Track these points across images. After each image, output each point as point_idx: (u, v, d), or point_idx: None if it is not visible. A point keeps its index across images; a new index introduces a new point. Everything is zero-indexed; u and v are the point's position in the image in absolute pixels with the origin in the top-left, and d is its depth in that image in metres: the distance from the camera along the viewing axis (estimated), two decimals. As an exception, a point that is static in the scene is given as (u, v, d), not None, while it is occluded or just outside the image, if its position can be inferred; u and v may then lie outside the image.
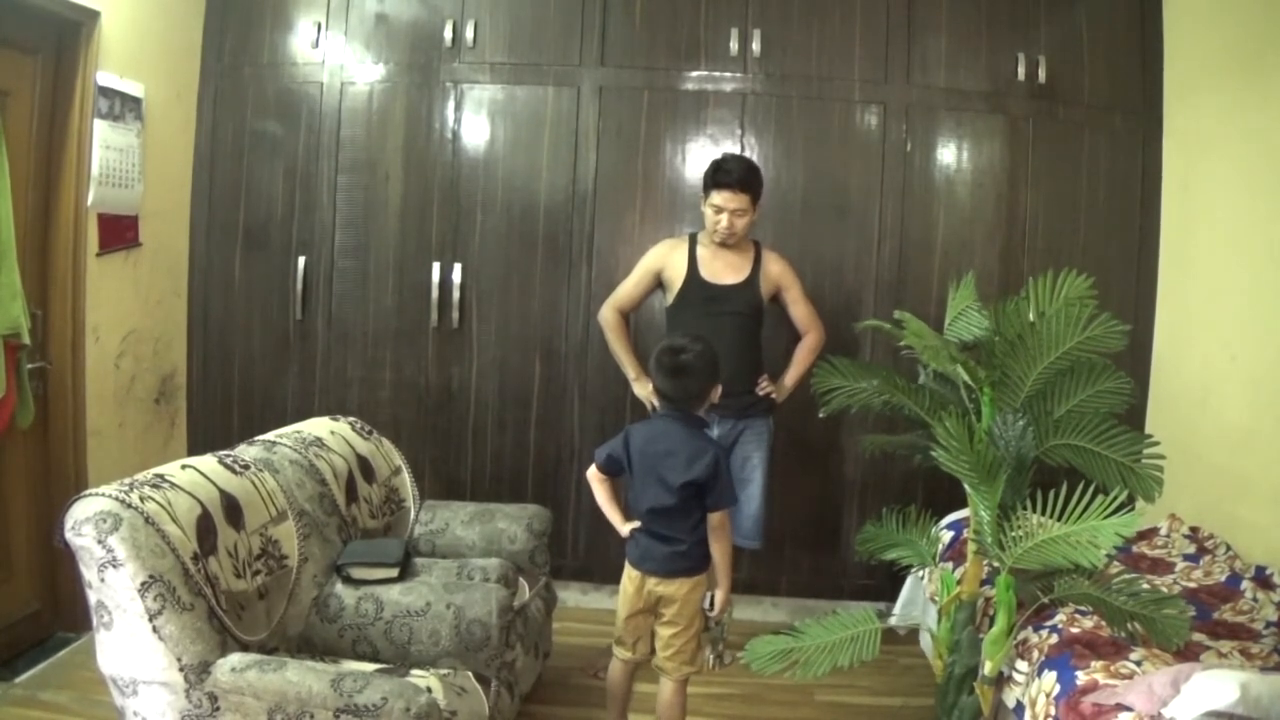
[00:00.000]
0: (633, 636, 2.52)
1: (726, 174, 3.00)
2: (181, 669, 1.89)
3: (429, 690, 2.01)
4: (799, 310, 3.20)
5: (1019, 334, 2.35)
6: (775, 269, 3.16)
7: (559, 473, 3.70)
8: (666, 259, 3.18)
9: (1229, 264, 3.12)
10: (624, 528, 2.50)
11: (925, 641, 3.15)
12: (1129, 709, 1.85)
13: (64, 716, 2.67)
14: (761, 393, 3.11)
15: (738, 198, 3.00)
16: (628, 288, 3.25)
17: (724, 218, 3.01)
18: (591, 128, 3.62)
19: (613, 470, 2.52)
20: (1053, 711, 2.05)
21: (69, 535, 1.89)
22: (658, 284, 3.23)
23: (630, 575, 2.48)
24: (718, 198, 3.01)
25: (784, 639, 2.46)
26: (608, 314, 3.25)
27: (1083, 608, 2.34)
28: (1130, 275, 3.58)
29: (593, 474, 2.56)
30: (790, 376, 3.18)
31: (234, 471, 2.28)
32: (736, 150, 3.59)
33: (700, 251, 3.15)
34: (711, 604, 2.54)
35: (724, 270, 3.12)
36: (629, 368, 3.20)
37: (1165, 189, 3.54)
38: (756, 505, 3.18)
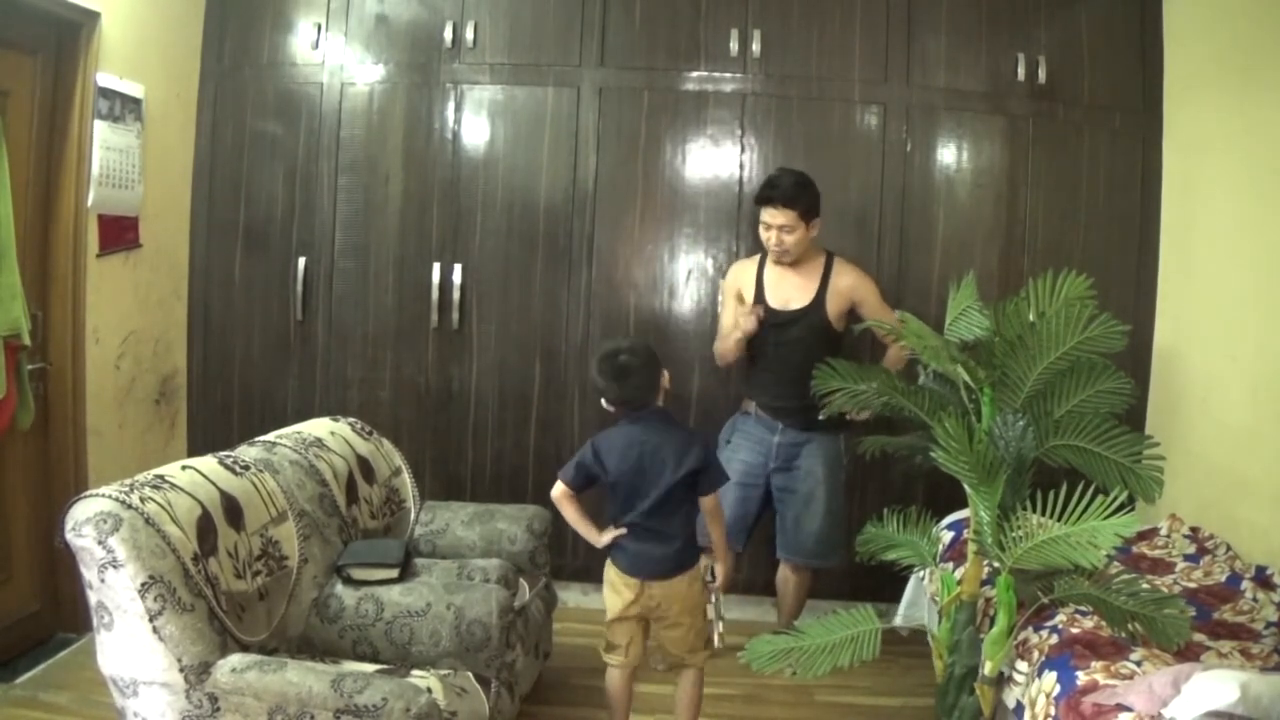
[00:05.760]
0: (624, 638, 2.51)
1: (771, 189, 2.98)
2: (182, 670, 1.89)
3: (429, 691, 2.01)
4: None
5: (1019, 334, 2.35)
6: (845, 283, 3.08)
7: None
8: (740, 281, 3.17)
9: (1229, 264, 3.12)
10: (601, 539, 2.48)
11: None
12: (1129, 709, 1.85)
13: (64, 717, 2.67)
14: (823, 417, 2.87)
15: (783, 213, 2.97)
16: (723, 319, 3.24)
17: (773, 234, 3.00)
18: (591, 128, 3.62)
19: (583, 485, 2.48)
20: (1053, 712, 2.05)
21: (69, 536, 1.89)
22: None
23: (627, 583, 2.45)
24: (765, 214, 3.01)
25: (784, 639, 2.47)
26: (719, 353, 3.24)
27: (1083, 608, 2.34)
28: (1130, 275, 3.57)
29: (560, 493, 2.48)
30: None
31: (234, 472, 2.28)
32: (736, 150, 3.60)
33: (767, 273, 3.12)
34: (713, 575, 2.53)
35: (790, 292, 3.09)
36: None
37: (1165, 189, 3.54)
38: (819, 523, 3.11)
